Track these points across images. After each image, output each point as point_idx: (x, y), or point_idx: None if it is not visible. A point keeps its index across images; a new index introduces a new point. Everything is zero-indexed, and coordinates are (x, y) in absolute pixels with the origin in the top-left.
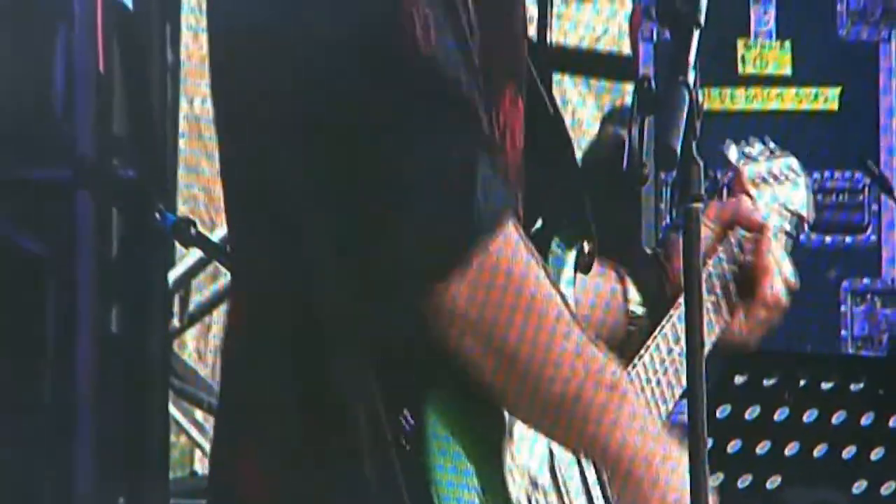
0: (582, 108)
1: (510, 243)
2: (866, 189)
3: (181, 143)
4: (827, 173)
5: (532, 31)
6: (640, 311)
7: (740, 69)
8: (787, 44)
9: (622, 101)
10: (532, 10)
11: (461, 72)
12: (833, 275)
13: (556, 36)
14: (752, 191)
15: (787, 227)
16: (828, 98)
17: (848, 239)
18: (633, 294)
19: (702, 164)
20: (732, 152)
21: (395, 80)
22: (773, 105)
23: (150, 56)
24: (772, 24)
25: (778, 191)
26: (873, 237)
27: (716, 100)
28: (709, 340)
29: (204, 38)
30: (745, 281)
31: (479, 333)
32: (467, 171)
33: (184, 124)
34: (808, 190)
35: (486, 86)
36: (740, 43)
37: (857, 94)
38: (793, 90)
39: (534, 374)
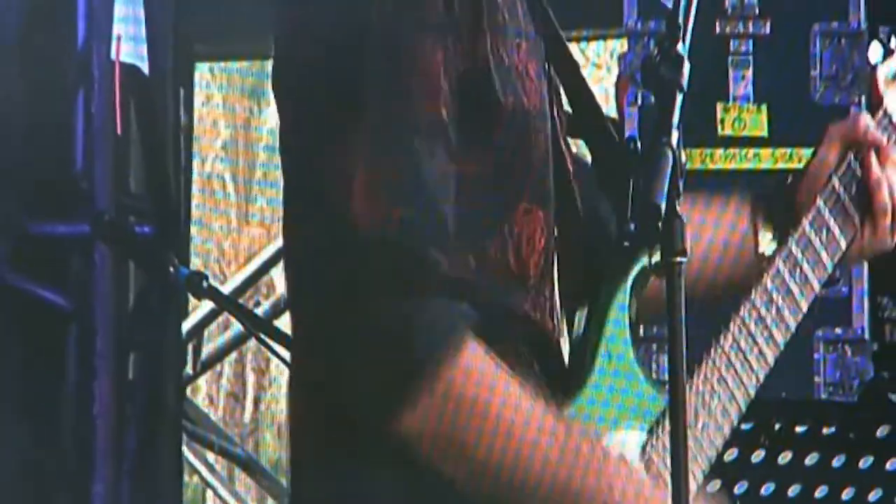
0: None
1: (466, 368)
2: None
3: (194, 200)
4: None
5: None
6: (771, 250)
7: (719, 131)
8: (764, 107)
9: None
10: None
11: (419, 234)
12: (807, 325)
13: None
14: (889, 90)
15: None
16: (802, 158)
17: (822, 291)
18: (765, 235)
19: (684, 219)
20: (874, 50)
21: (343, 251)
22: (751, 164)
23: (164, 118)
24: (749, 89)
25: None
26: (844, 289)
27: (697, 159)
28: (836, 257)
29: (216, 100)
30: (865, 195)
31: (445, 455)
32: (402, 313)
33: (196, 182)
34: None
35: (496, 199)
36: (719, 106)
37: None
38: (769, 150)
39: (518, 482)
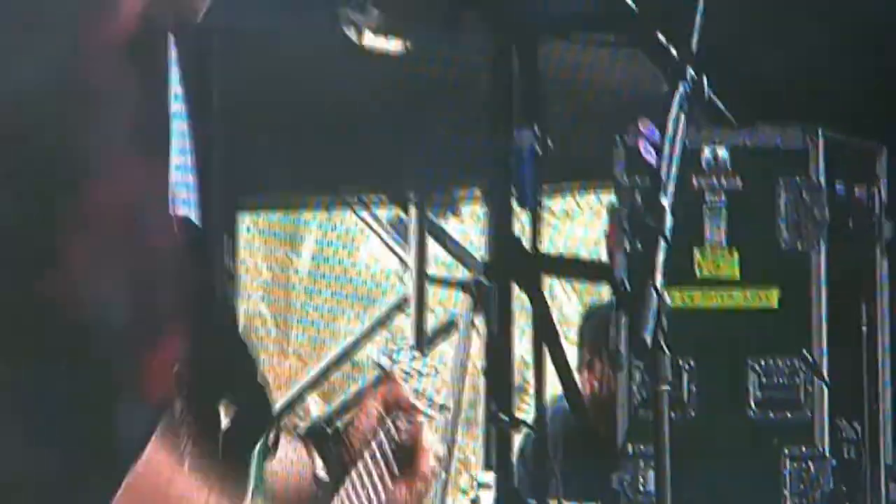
0: (567, 305)
1: None
2: (802, 374)
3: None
4: (770, 360)
5: (526, 241)
6: (324, 476)
7: (698, 273)
8: (736, 252)
9: (600, 299)
10: (526, 224)
11: None
12: (776, 444)
13: (545, 245)
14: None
15: (430, 412)
16: (769, 297)
17: (789, 414)
18: (320, 463)
19: (668, 353)
20: (383, 359)
21: None
22: (725, 303)
23: (213, 263)
24: (723, 236)
25: (421, 383)
26: (808, 413)
27: (678, 299)
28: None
29: (259, 253)
30: (404, 458)
31: None
32: None
33: (241, 319)
34: (439, 379)
35: None
36: (697, 251)
37: (794, 295)
38: (740, 290)
39: None
